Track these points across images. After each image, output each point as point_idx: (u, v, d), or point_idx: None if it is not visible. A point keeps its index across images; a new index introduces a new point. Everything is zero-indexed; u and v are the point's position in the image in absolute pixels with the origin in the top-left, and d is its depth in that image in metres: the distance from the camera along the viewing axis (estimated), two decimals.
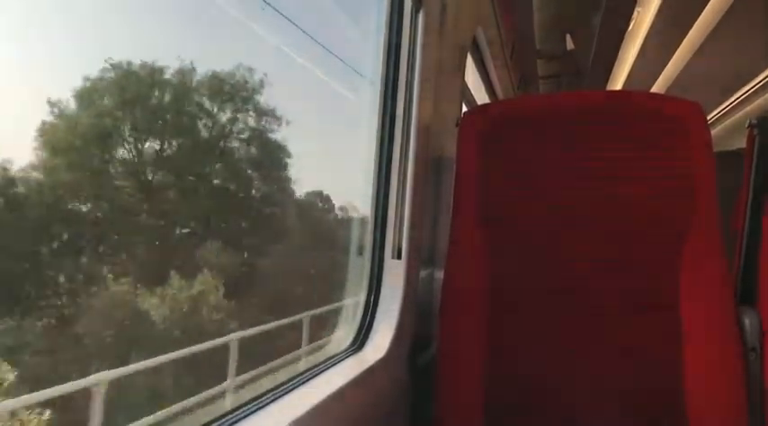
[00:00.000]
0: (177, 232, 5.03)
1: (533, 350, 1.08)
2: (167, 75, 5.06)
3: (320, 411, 0.82)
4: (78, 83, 4.38)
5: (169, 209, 4.86)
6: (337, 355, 1.09)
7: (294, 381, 0.92)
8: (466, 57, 1.71)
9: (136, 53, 4.57)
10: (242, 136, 5.67)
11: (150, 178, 4.83)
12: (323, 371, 0.99)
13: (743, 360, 0.99)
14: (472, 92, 2.11)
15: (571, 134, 1.09)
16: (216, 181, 5.59)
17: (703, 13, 2.62)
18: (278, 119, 5.83)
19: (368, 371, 1.00)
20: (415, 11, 1.25)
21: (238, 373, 2.77)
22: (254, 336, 3.33)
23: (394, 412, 1.13)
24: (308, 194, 6.37)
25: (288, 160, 5.90)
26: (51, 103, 4.23)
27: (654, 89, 3.62)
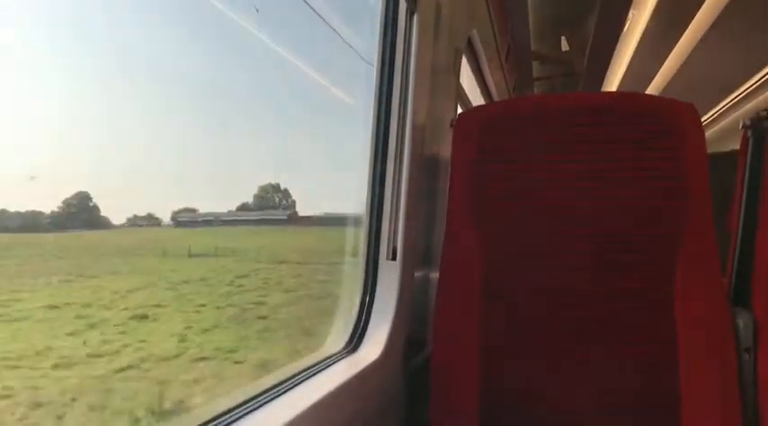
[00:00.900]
0: None
1: (527, 352, 1.08)
2: None
3: (314, 413, 0.81)
4: None
5: None
6: (332, 356, 1.08)
7: (288, 383, 0.92)
8: (461, 58, 1.71)
9: None
10: None
11: None
12: (317, 373, 0.98)
13: (737, 361, 0.99)
14: (468, 94, 2.11)
15: (566, 135, 1.09)
16: None
17: (697, 16, 2.63)
18: None
19: (363, 373, 1.00)
20: (410, 12, 1.25)
21: None
22: None
23: (389, 413, 1.13)
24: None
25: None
26: None
27: (649, 91, 3.64)
